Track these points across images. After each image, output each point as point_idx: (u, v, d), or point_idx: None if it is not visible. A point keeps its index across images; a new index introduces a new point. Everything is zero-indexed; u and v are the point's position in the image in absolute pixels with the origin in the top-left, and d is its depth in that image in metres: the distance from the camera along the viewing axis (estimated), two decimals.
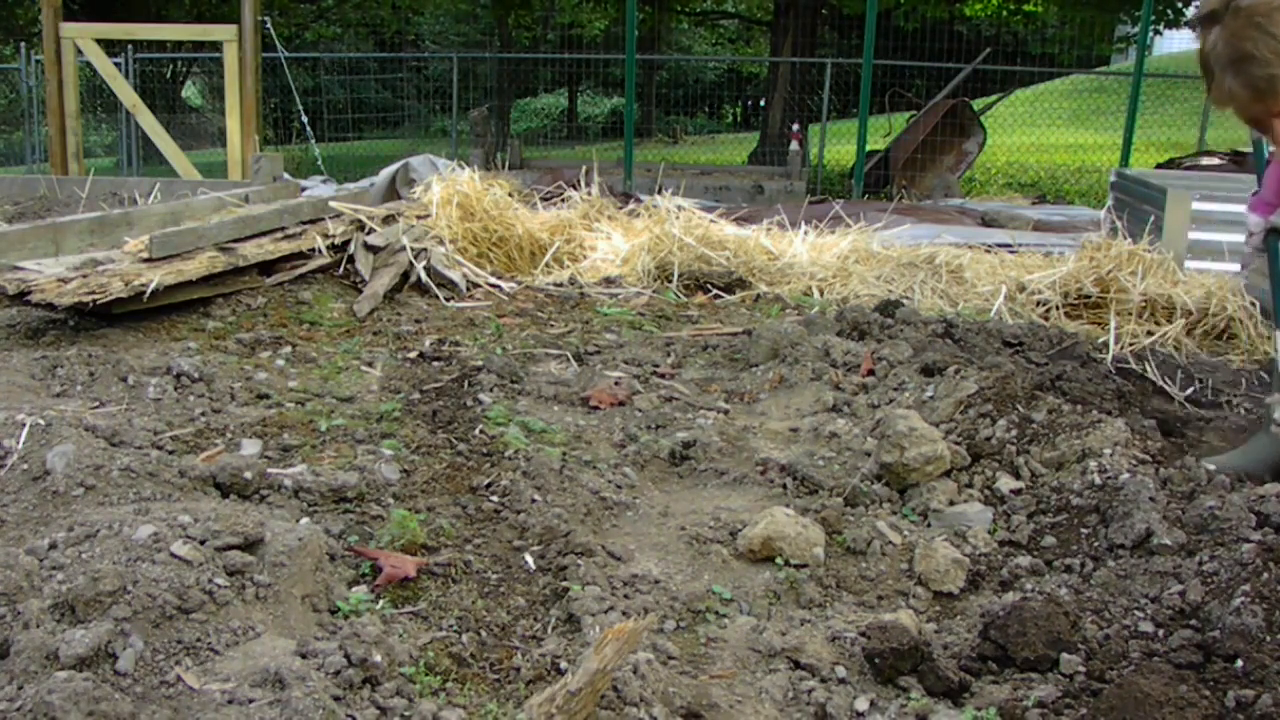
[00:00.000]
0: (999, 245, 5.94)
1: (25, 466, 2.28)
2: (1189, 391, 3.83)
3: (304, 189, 6.73)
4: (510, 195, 5.86)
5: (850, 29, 16.02)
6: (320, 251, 4.69)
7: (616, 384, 3.57)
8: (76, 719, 1.48)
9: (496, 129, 14.31)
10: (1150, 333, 4.46)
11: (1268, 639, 1.85)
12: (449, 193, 5.54)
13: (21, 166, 13.38)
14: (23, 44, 12.99)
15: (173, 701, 1.62)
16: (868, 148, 10.92)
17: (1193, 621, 1.99)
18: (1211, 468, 2.66)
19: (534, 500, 2.58)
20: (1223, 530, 2.25)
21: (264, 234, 4.61)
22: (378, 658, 1.80)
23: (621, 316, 4.65)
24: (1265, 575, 1.98)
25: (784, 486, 2.83)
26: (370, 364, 3.71)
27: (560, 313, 4.74)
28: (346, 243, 4.90)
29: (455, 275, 4.91)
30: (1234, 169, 9.92)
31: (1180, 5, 14.07)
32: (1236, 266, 4.96)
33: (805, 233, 5.91)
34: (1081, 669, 1.92)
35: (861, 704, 1.89)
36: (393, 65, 19.23)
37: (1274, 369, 3.00)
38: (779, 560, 2.38)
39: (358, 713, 1.69)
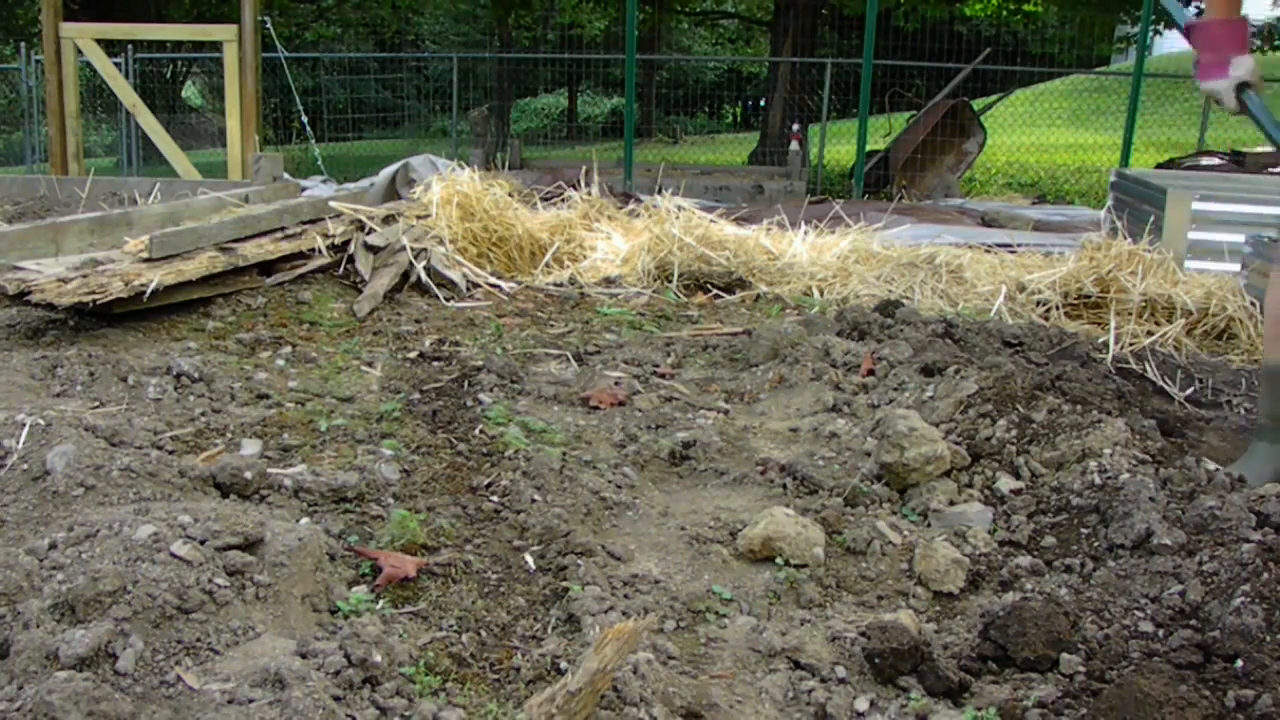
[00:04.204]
0: (999, 245, 5.94)
1: (25, 466, 2.29)
2: (1189, 391, 3.83)
3: (304, 189, 6.73)
4: (510, 195, 5.86)
5: (850, 29, 16.02)
6: (320, 251, 4.69)
7: (616, 384, 3.57)
8: (76, 719, 1.48)
9: (496, 129, 14.30)
10: (1150, 333, 4.46)
11: (1268, 639, 1.85)
12: (449, 193, 5.54)
13: (21, 166, 13.38)
14: (23, 44, 12.97)
15: (173, 701, 1.63)
16: (868, 148, 10.91)
17: (1193, 621, 1.99)
18: (1212, 467, 2.66)
19: (534, 500, 2.59)
20: (1223, 530, 2.25)
21: (264, 234, 4.61)
22: (378, 658, 1.80)
23: (621, 316, 4.65)
24: (1265, 575, 1.98)
25: (784, 486, 2.83)
26: (370, 364, 3.71)
27: (560, 313, 4.74)
28: (346, 243, 4.90)
29: (455, 275, 4.91)
30: (1234, 169, 9.91)
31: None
32: (1236, 266, 4.96)
33: (805, 233, 5.90)
34: (1081, 669, 1.92)
35: (861, 704, 1.89)
36: (393, 65, 19.22)
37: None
38: (779, 560, 2.38)
39: (358, 713, 1.69)
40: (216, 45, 7.97)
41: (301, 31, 19.09)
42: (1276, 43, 14.33)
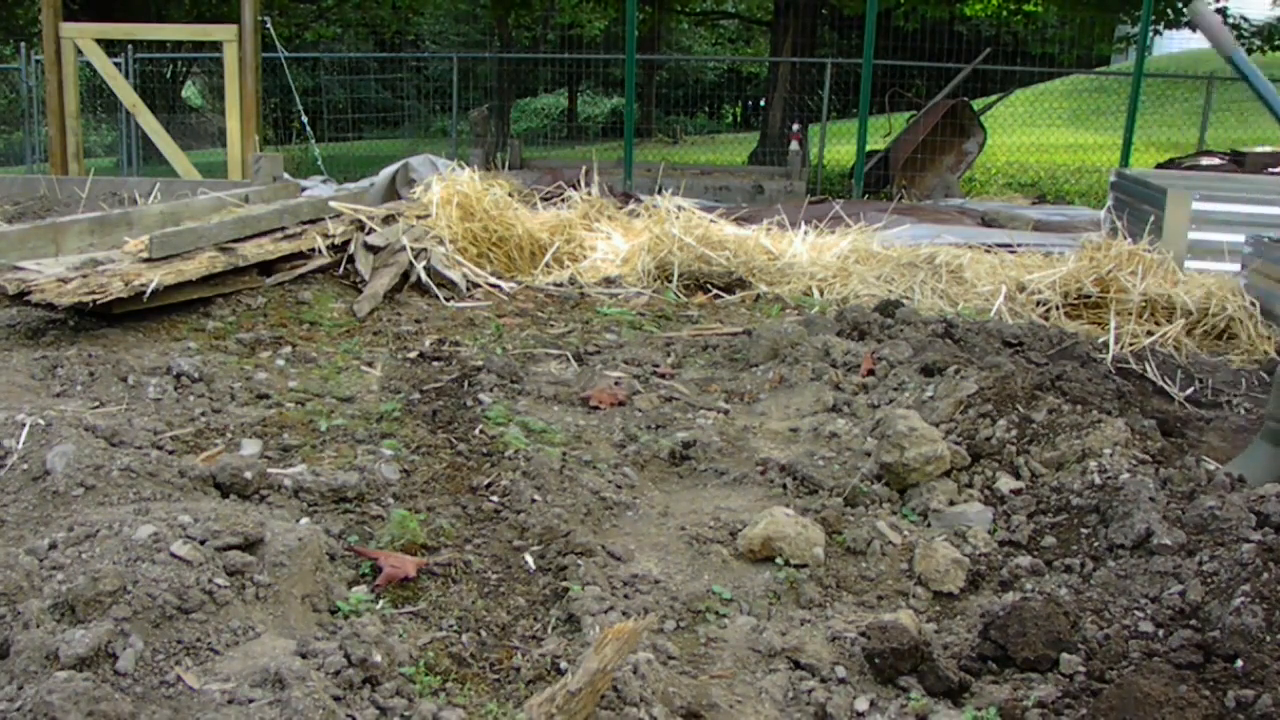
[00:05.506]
0: (999, 245, 5.94)
1: (25, 466, 2.29)
2: (1189, 391, 3.83)
3: (304, 189, 6.72)
4: (510, 195, 5.86)
5: (850, 29, 16.02)
6: (320, 251, 4.69)
7: (616, 384, 3.57)
8: (76, 719, 1.48)
9: (496, 129, 14.29)
10: (1150, 333, 4.46)
11: (1268, 639, 1.85)
12: (449, 193, 5.54)
13: (21, 166, 13.36)
14: (23, 44, 12.96)
15: (173, 701, 1.63)
16: (868, 148, 10.90)
17: (1193, 621, 1.99)
18: (1212, 467, 2.66)
19: (534, 500, 2.59)
20: (1223, 530, 2.25)
21: (264, 234, 4.60)
22: (378, 658, 1.80)
23: (621, 316, 4.65)
24: (1265, 575, 1.98)
25: (784, 486, 2.83)
26: (370, 364, 3.71)
27: (560, 313, 4.74)
28: (346, 243, 4.90)
29: (455, 275, 4.91)
30: (1234, 169, 9.91)
31: (1180, 5, 14.06)
32: (1236, 266, 4.96)
33: (805, 233, 5.90)
34: (1081, 669, 1.92)
35: (861, 704, 1.89)
36: (393, 65, 19.21)
37: None
38: (779, 560, 2.38)
39: (358, 713, 1.69)
40: (216, 45, 7.96)
41: (301, 31, 19.07)
42: (1276, 43, 14.33)
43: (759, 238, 5.69)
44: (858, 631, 2.09)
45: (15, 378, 3.07)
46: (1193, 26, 2.97)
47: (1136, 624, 2.02)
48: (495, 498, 2.61)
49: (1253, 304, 4.59)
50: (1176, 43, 19.41)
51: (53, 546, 1.89)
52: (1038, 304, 4.80)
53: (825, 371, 3.65)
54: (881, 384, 3.52)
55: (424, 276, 4.81)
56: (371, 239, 4.94)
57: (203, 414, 3.00)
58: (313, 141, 10.58)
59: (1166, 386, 3.85)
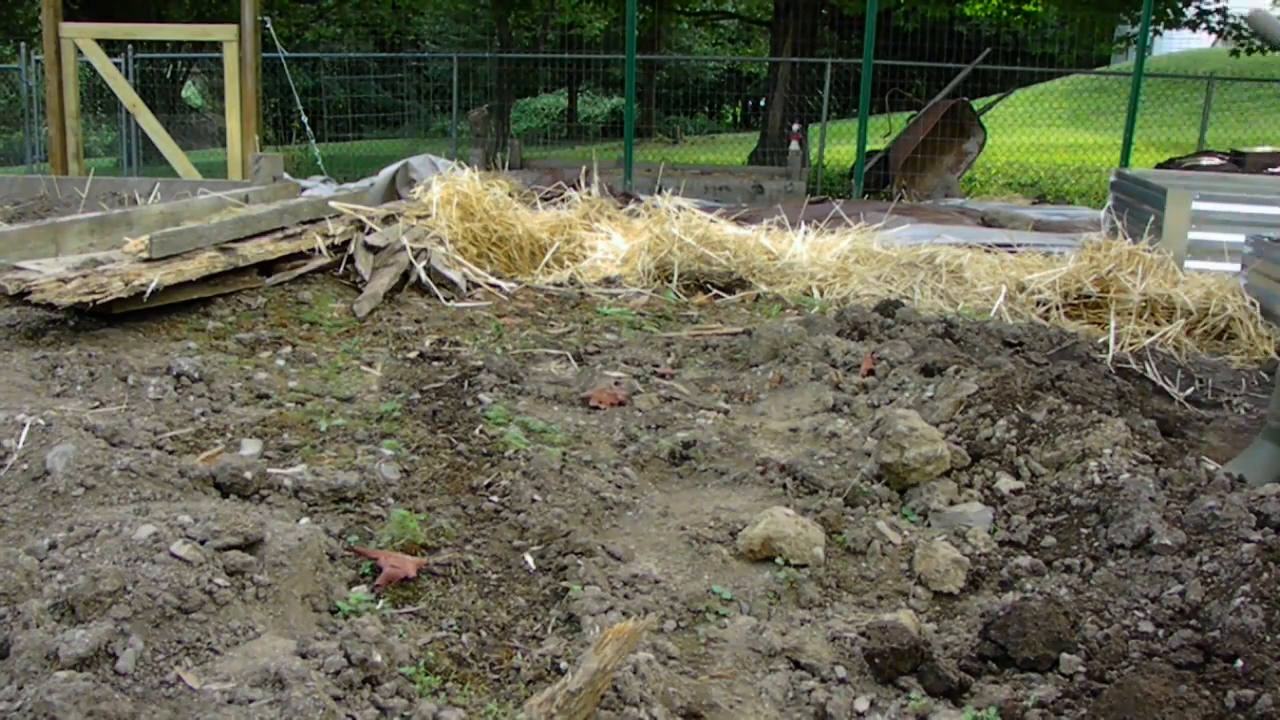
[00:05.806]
0: (999, 245, 5.94)
1: (25, 466, 2.29)
2: (1189, 391, 3.84)
3: (304, 189, 6.72)
4: (510, 195, 5.86)
5: (850, 29, 16.02)
6: (320, 251, 4.69)
7: (616, 384, 3.57)
8: (76, 719, 1.48)
9: (496, 129, 14.29)
10: (1150, 333, 4.46)
11: (1268, 639, 1.85)
12: (449, 193, 5.54)
13: (21, 166, 13.35)
14: (23, 44, 12.96)
15: (173, 701, 1.63)
16: (868, 148, 10.90)
17: (1193, 621, 1.99)
18: (1212, 467, 2.66)
19: (534, 500, 2.59)
20: (1223, 530, 2.25)
21: (264, 234, 4.61)
22: (378, 658, 1.81)
23: (621, 316, 4.65)
24: (1265, 575, 1.98)
25: (784, 486, 2.83)
26: (370, 364, 3.72)
27: (560, 313, 4.74)
28: (346, 243, 4.90)
29: (455, 275, 4.91)
30: (1234, 169, 9.91)
31: (1180, 5, 14.06)
32: (1236, 266, 4.96)
33: (805, 233, 5.90)
34: (1081, 669, 1.92)
35: (861, 704, 1.90)
36: (393, 65, 19.20)
37: None
38: (779, 560, 2.38)
39: (358, 713, 1.69)
40: (216, 45, 7.96)
41: (301, 31, 19.05)
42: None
43: (759, 238, 5.69)
44: (858, 631, 2.09)
45: (15, 378, 3.07)
46: (1251, 32, 2.95)
47: (1136, 624, 2.02)
48: (495, 498, 2.62)
49: (1253, 304, 4.60)
50: (1176, 43, 19.39)
51: (53, 546, 1.89)
52: (1038, 304, 4.81)
53: (825, 371, 3.65)
54: (881, 384, 3.52)
55: (424, 276, 4.81)
56: (371, 239, 4.94)
57: (203, 414, 3.00)
58: (313, 141, 10.58)
59: (1166, 386, 3.85)
